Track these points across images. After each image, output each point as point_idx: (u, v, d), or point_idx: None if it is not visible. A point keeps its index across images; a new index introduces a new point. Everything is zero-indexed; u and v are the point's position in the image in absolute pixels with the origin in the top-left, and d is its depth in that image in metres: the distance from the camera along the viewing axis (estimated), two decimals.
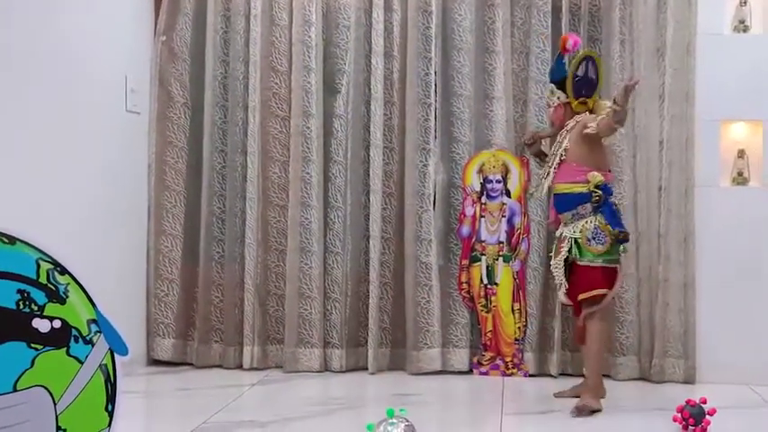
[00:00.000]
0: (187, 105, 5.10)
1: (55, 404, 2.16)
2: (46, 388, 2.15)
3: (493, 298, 4.89)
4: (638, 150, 4.76)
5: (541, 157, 4.42)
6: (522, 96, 4.95)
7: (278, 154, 5.03)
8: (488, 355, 4.88)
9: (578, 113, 4.16)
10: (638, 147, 4.75)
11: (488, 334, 4.88)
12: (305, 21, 4.92)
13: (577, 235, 4.05)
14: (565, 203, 4.13)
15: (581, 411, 3.98)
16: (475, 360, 4.90)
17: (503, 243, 4.90)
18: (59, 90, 4.16)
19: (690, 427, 3.68)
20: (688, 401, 3.70)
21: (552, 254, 4.25)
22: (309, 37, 4.92)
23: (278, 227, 5.03)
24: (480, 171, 4.92)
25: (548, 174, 4.21)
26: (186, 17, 5.07)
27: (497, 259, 4.90)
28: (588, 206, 4.04)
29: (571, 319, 4.88)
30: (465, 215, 4.95)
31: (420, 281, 4.89)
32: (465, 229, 4.95)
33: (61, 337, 2.18)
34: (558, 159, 4.13)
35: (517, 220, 4.90)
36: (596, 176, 4.01)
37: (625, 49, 4.80)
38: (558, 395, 4.34)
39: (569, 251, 4.08)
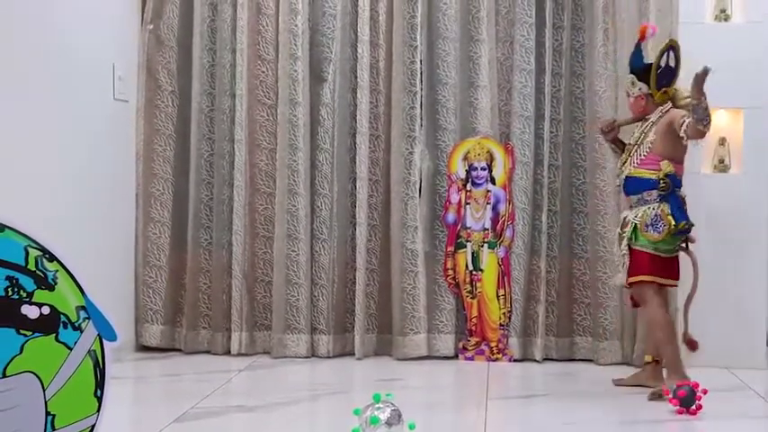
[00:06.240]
0: (174, 93, 5.11)
1: (44, 390, 2.17)
2: (35, 374, 2.16)
3: (478, 284, 4.93)
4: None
5: (617, 144, 4.38)
6: (506, 85, 4.98)
7: (265, 142, 5.05)
8: (474, 340, 4.93)
9: (660, 104, 4.16)
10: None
11: (474, 319, 4.93)
12: (291, 9, 4.94)
13: (638, 220, 4.08)
14: (633, 186, 4.15)
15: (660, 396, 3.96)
16: (460, 345, 4.95)
17: (488, 230, 4.94)
18: (47, 78, 4.17)
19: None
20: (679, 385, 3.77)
21: (617, 238, 4.25)
22: (296, 25, 4.94)
23: (265, 214, 5.05)
24: (465, 158, 4.96)
25: (625, 162, 4.21)
26: (173, 5, 5.08)
27: (482, 246, 4.95)
28: (654, 193, 4.07)
29: (556, 303, 4.95)
30: (450, 202, 4.99)
31: (406, 267, 4.92)
32: (450, 216, 4.99)
33: (50, 324, 2.18)
34: (646, 150, 4.11)
35: (502, 207, 4.94)
36: (668, 165, 4.05)
37: (608, 38, 4.84)
38: (617, 383, 4.33)
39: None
